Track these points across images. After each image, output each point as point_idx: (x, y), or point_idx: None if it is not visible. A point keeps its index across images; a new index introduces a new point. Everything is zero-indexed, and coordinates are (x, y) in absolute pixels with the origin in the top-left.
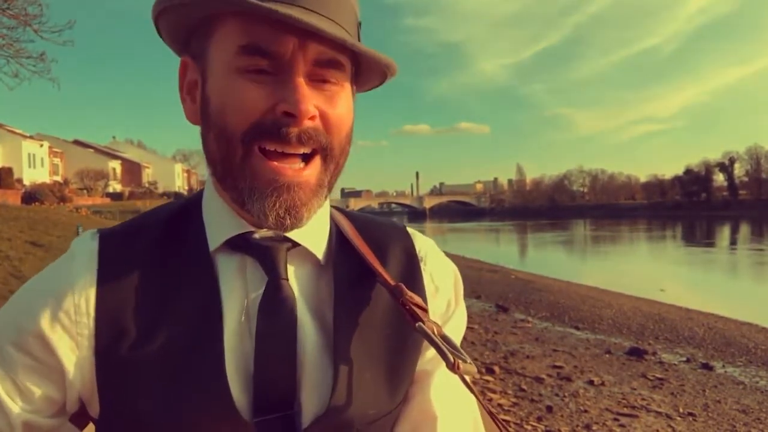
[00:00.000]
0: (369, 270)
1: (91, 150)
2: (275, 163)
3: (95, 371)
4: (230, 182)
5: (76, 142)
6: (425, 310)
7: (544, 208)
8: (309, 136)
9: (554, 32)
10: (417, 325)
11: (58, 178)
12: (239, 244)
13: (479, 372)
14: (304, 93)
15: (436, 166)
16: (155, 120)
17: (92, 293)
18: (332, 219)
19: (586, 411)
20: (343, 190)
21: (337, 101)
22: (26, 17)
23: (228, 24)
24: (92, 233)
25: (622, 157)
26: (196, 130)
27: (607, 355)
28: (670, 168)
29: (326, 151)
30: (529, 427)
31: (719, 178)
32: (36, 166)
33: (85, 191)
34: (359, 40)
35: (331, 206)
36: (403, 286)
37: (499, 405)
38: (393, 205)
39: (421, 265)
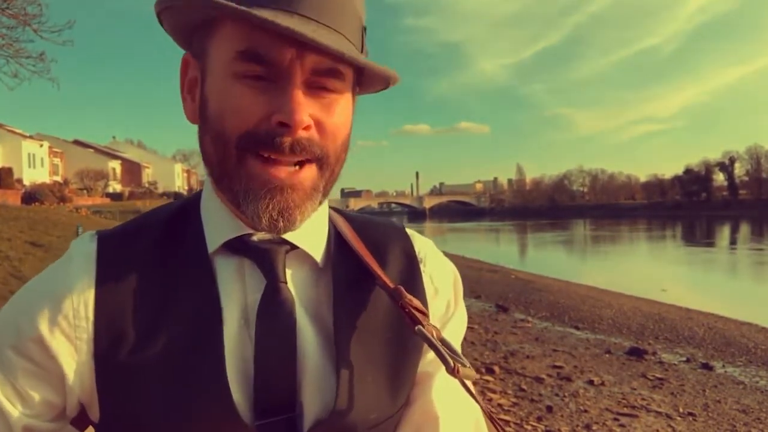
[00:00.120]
0: (368, 272)
1: (91, 150)
2: (270, 166)
3: (95, 376)
4: (226, 184)
5: (76, 142)
6: (425, 314)
7: (544, 208)
8: (302, 146)
9: (554, 32)
10: (417, 328)
11: (58, 178)
12: (238, 247)
13: (479, 372)
14: (299, 103)
15: (436, 166)
16: (155, 120)
17: (91, 297)
18: (330, 221)
19: (586, 411)
20: (342, 190)
21: (334, 109)
22: (26, 17)
23: (227, 27)
24: (90, 235)
25: (622, 157)
26: (196, 129)
27: (607, 355)
28: (670, 168)
29: (321, 160)
30: (529, 427)
31: (719, 178)
32: (36, 166)
33: (85, 191)
34: (363, 46)
35: (330, 207)
36: (402, 289)
37: (499, 405)
38: (393, 205)
39: (421, 266)
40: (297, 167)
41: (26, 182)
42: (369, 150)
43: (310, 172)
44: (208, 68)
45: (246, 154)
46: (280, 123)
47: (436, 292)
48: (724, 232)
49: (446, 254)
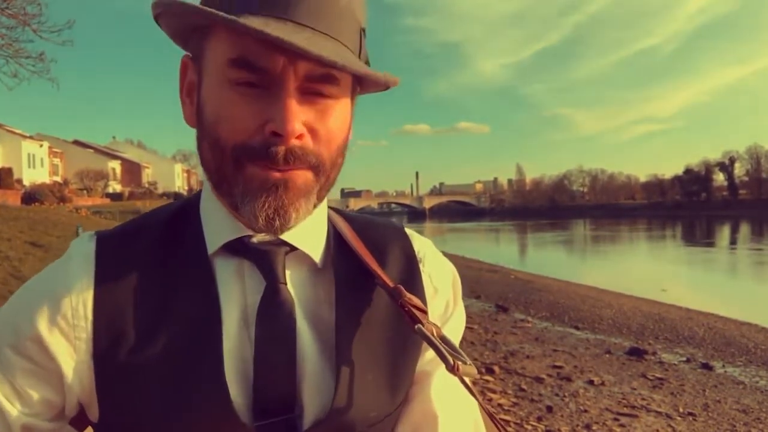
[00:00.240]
0: (368, 272)
1: (91, 150)
2: (266, 169)
3: (94, 375)
4: (225, 188)
5: (76, 142)
6: (424, 312)
7: (544, 208)
8: (296, 155)
9: (554, 32)
10: (416, 326)
11: (58, 179)
12: (237, 248)
13: (479, 372)
14: (291, 112)
15: (436, 166)
16: (155, 120)
17: (90, 296)
18: (330, 221)
19: (586, 411)
20: (342, 190)
21: (329, 115)
22: (25, 17)
23: (220, 33)
24: (90, 235)
25: (622, 157)
26: (195, 131)
27: (607, 355)
28: (670, 168)
29: (317, 168)
30: (529, 427)
31: (719, 178)
32: (36, 167)
33: (84, 191)
34: (362, 49)
35: (329, 208)
36: (402, 288)
37: (499, 405)
38: (393, 205)
39: (420, 266)
40: (290, 169)
41: (26, 182)
42: (369, 150)
43: (303, 173)
44: (204, 72)
45: (242, 161)
46: (273, 133)
47: (436, 292)
48: (724, 232)
49: (446, 254)
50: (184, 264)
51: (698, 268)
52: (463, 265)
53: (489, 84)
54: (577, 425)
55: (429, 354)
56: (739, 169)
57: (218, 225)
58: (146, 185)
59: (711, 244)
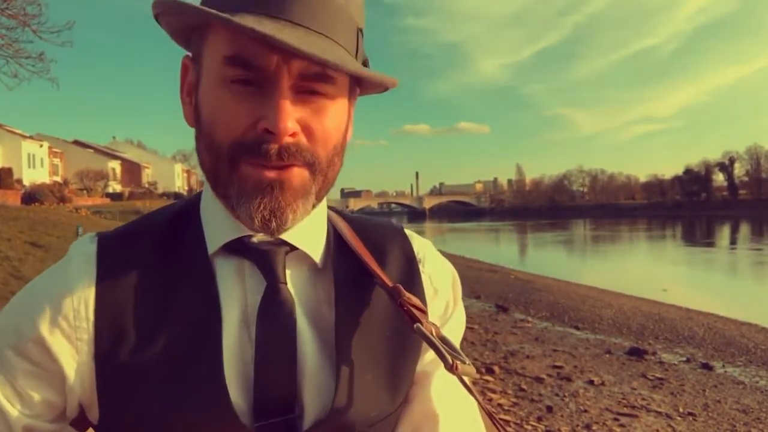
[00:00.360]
0: (367, 272)
1: (91, 150)
2: (260, 169)
3: (95, 376)
4: (221, 189)
5: (76, 143)
6: (424, 312)
7: (544, 208)
8: (290, 153)
9: (553, 32)
10: (415, 326)
11: (58, 179)
12: (237, 248)
13: (479, 372)
14: (284, 110)
15: (436, 166)
16: (155, 120)
17: (91, 297)
18: (330, 222)
19: (586, 411)
20: (342, 190)
21: (325, 114)
22: (25, 17)
23: (218, 32)
24: (91, 236)
25: (622, 157)
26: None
27: (607, 355)
28: (670, 168)
29: (312, 166)
30: (529, 427)
31: (719, 178)
32: (36, 167)
33: (84, 191)
34: (358, 50)
35: (329, 208)
36: (401, 288)
37: (499, 405)
38: (393, 205)
39: (420, 267)
40: (286, 167)
41: (26, 182)
42: (368, 150)
43: (299, 172)
44: (202, 71)
45: (237, 161)
46: (266, 130)
47: (435, 293)
48: (724, 232)
49: (446, 254)
50: (185, 264)
51: (698, 268)
52: (463, 265)
53: (489, 84)
54: (577, 425)
55: (429, 354)
56: (738, 169)
57: (218, 225)
58: (146, 185)
59: (711, 244)
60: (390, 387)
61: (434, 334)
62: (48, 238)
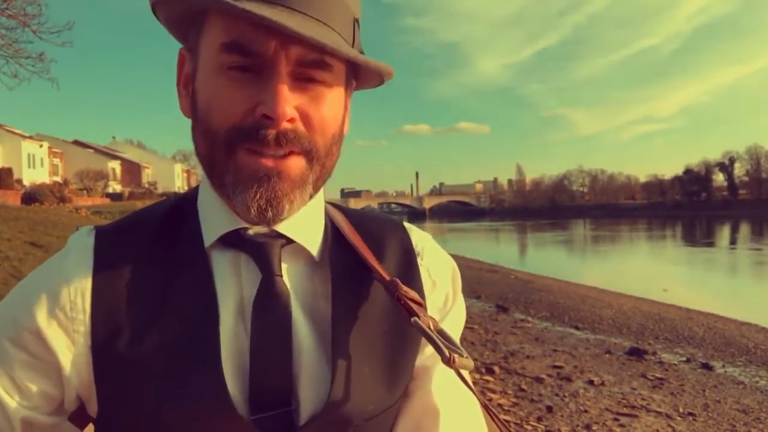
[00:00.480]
0: (365, 265)
1: (91, 150)
2: (257, 157)
3: (92, 368)
4: (217, 178)
5: (76, 143)
6: (421, 305)
7: (544, 208)
8: (288, 139)
9: (553, 32)
10: (412, 319)
11: (58, 179)
12: (233, 241)
13: (479, 372)
14: (282, 95)
15: (436, 166)
16: (155, 120)
17: (88, 289)
18: (328, 215)
19: (586, 411)
20: (342, 190)
21: (322, 101)
22: (25, 17)
23: (214, 20)
24: (89, 229)
25: (622, 157)
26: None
27: (607, 355)
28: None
29: (309, 153)
30: (529, 427)
31: (719, 178)
32: (36, 167)
33: (84, 191)
34: (354, 39)
35: (327, 202)
36: (398, 281)
37: (499, 405)
38: (393, 205)
39: (418, 259)
40: (283, 156)
41: (26, 182)
42: (368, 150)
43: (297, 161)
44: (199, 62)
45: (234, 147)
46: (264, 116)
47: (434, 285)
48: (724, 232)
49: None
50: (181, 257)
51: (698, 268)
52: (463, 265)
53: (489, 84)
54: (577, 425)
55: (429, 349)
56: (738, 169)
57: (215, 217)
58: (146, 185)
59: (711, 244)
60: (388, 381)
61: (432, 327)
62: (48, 238)
